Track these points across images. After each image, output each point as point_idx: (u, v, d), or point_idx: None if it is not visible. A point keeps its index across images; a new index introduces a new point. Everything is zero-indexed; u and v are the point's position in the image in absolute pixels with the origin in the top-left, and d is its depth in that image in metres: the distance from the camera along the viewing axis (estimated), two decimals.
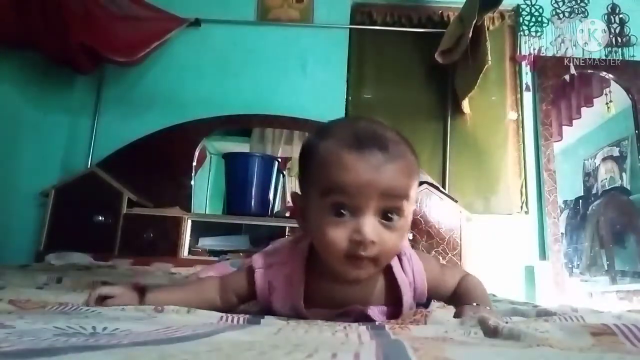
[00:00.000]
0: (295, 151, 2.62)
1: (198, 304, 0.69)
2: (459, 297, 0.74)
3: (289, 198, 2.58)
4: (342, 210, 0.61)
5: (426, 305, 0.81)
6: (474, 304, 0.69)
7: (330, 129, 0.67)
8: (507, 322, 0.49)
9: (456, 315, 0.63)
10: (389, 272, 0.71)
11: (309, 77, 2.54)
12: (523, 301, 1.34)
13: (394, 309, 0.71)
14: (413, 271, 0.71)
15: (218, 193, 2.54)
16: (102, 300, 0.66)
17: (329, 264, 0.65)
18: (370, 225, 0.60)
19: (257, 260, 0.75)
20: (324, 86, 2.52)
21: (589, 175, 2.76)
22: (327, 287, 0.70)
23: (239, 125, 2.56)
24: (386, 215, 0.62)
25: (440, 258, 2.05)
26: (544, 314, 0.78)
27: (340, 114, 2.46)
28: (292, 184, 2.62)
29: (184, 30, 2.52)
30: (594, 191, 2.71)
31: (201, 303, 0.70)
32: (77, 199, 2.11)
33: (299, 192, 0.70)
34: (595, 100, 2.61)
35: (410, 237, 2.05)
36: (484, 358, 0.36)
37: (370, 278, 0.69)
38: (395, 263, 0.71)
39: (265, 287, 0.72)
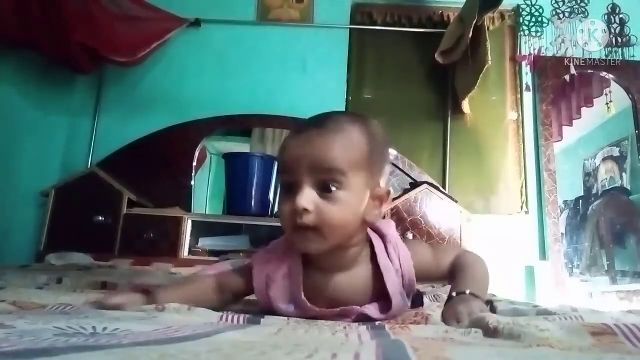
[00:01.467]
0: None
1: (197, 303, 0.71)
2: (452, 277, 0.74)
3: None
4: (289, 187, 0.67)
5: (420, 300, 0.82)
6: (460, 291, 0.67)
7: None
8: (498, 321, 0.50)
9: (443, 316, 0.63)
10: (375, 261, 0.72)
11: (309, 77, 2.54)
12: (523, 301, 1.34)
13: (385, 302, 0.71)
14: (399, 258, 0.72)
15: (218, 193, 2.54)
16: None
17: (288, 238, 0.71)
18: (304, 195, 0.65)
19: (257, 257, 0.77)
20: (324, 86, 2.51)
21: (589, 175, 2.76)
22: (319, 279, 0.71)
23: (239, 125, 2.56)
24: (326, 187, 0.65)
25: None
26: (544, 314, 0.78)
27: None
28: None
29: (184, 30, 2.52)
30: (594, 191, 2.71)
31: (199, 302, 0.72)
32: (77, 199, 2.11)
33: None
34: (595, 100, 2.61)
35: (410, 237, 2.05)
36: (484, 358, 0.36)
37: (357, 268, 0.72)
38: (380, 251, 0.72)
39: (262, 281, 0.73)
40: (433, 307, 0.81)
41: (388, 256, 0.72)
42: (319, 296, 0.71)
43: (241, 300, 0.81)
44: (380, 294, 0.72)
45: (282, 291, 0.72)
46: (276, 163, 0.73)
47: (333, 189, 0.65)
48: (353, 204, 0.67)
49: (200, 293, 0.76)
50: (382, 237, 0.74)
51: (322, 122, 0.67)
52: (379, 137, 0.70)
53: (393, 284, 0.71)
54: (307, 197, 0.64)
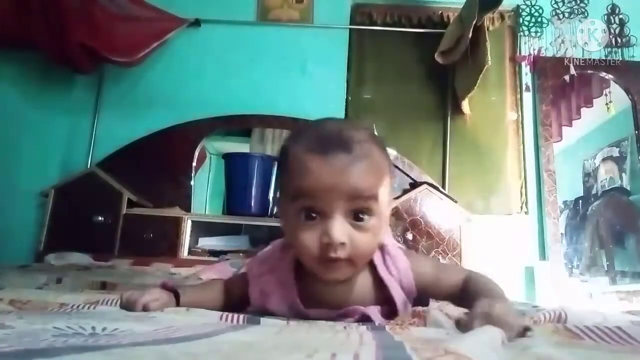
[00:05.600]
0: None
1: (214, 304, 0.75)
2: (472, 295, 0.65)
3: None
4: (312, 214, 0.62)
5: (425, 304, 0.81)
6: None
7: (297, 134, 0.68)
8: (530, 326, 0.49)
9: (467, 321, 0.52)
10: (374, 272, 0.71)
11: (309, 77, 2.54)
12: (523, 302, 1.34)
13: (388, 308, 0.71)
14: (399, 270, 0.71)
15: (218, 193, 2.54)
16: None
17: (307, 266, 0.66)
18: (338, 227, 0.61)
19: (250, 268, 0.76)
20: (324, 86, 2.51)
21: (589, 176, 2.76)
22: (319, 288, 0.70)
23: (239, 125, 2.56)
24: (356, 216, 0.63)
25: (440, 258, 2.05)
26: None
27: (340, 114, 2.46)
28: None
29: (184, 30, 2.52)
30: (593, 192, 2.71)
31: (216, 303, 0.76)
32: (77, 199, 2.11)
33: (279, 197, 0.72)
34: (595, 100, 2.61)
35: (410, 238, 2.05)
36: (479, 347, 0.36)
37: (358, 278, 0.70)
38: (379, 262, 0.71)
39: (257, 296, 0.73)
40: (431, 307, 0.81)
41: (387, 269, 0.71)
42: (319, 304, 0.70)
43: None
44: (382, 302, 0.71)
45: (279, 302, 0.71)
46: (290, 184, 0.64)
47: (365, 217, 0.63)
48: (381, 229, 0.66)
49: (214, 297, 0.78)
50: (381, 247, 0.72)
51: (346, 144, 0.62)
52: (387, 151, 0.69)
53: (397, 293, 0.70)
54: (342, 229, 0.61)
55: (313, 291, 0.70)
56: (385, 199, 0.66)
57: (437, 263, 0.79)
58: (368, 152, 0.63)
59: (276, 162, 0.73)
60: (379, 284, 0.71)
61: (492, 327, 0.45)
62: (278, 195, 0.71)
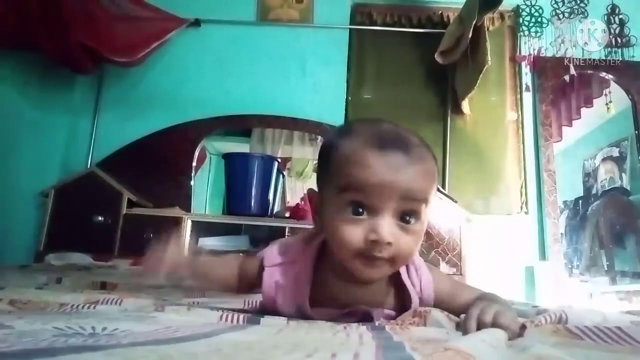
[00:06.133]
0: (295, 151, 2.62)
1: (220, 281, 0.78)
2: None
3: (289, 198, 2.58)
4: (360, 209, 0.61)
5: None
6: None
7: (353, 128, 0.67)
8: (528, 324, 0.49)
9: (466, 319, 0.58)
10: (396, 278, 0.71)
11: (308, 77, 2.54)
12: (523, 302, 1.34)
13: (401, 314, 0.70)
14: (421, 282, 0.71)
15: (218, 193, 2.54)
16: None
17: (342, 262, 0.65)
18: (387, 226, 0.60)
19: (269, 257, 0.74)
20: (323, 86, 2.51)
21: (589, 176, 2.76)
22: (335, 287, 0.70)
23: (239, 125, 2.56)
24: (404, 218, 0.62)
25: (440, 258, 2.05)
26: (543, 314, 0.78)
27: (340, 114, 2.46)
28: (292, 184, 2.62)
29: (184, 30, 2.52)
30: (593, 192, 2.71)
31: (222, 281, 0.78)
32: (77, 199, 2.11)
33: (316, 189, 0.69)
34: (595, 100, 2.61)
35: None
36: (480, 345, 0.36)
37: (379, 281, 0.70)
38: (402, 270, 0.71)
39: (271, 285, 0.72)
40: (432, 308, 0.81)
41: (409, 278, 0.71)
42: (329, 301, 0.70)
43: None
44: (397, 309, 0.71)
45: (290, 297, 0.71)
46: (341, 177, 0.63)
47: (412, 220, 0.62)
48: (422, 235, 0.66)
49: (226, 272, 0.77)
50: None
51: (404, 145, 0.62)
52: (436, 160, 0.69)
53: (415, 303, 0.70)
54: (390, 229, 0.61)
55: (327, 289, 0.70)
56: (431, 207, 0.65)
57: (455, 281, 0.79)
58: (424, 157, 0.64)
59: (320, 154, 0.70)
60: (398, 291, 0.71)
61: (495, 329, 0.45)
62: (317, 187, 0.69)
